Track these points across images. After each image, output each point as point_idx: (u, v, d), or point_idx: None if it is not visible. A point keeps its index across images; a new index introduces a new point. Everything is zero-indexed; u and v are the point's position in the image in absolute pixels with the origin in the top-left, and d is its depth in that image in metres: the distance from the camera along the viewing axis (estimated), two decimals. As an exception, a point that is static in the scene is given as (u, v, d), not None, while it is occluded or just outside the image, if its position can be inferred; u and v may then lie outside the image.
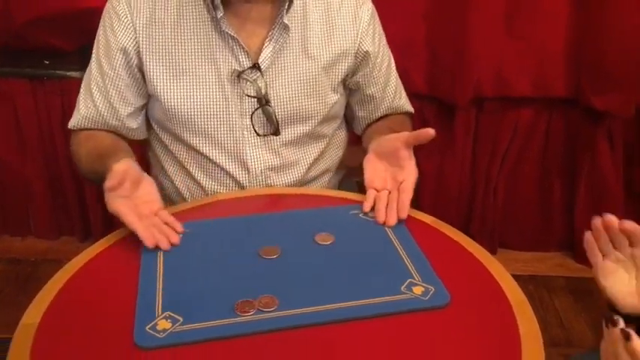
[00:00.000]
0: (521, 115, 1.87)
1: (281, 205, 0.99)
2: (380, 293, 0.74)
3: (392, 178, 0.96)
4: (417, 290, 0.75)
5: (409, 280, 0.77)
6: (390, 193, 0.94)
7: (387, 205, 0.92)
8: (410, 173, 0.94)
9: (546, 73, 1.78)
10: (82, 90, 1.08)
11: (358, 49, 1.08)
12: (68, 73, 1.84)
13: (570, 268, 2.06)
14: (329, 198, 1.01)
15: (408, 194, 0.92)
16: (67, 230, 2.12)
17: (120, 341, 0.68)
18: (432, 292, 0.75)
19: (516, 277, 2.01)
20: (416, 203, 0.96)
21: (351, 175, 1.28)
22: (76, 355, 0.67)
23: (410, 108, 1.23)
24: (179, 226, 0.87)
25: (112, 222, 2.02)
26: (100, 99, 1.05)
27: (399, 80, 1.20)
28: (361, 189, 1.27)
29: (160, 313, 0.71)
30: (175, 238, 0.85)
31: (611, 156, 1.89)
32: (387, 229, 0.89)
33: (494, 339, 0.69)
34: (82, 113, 1.07)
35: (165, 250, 0.83)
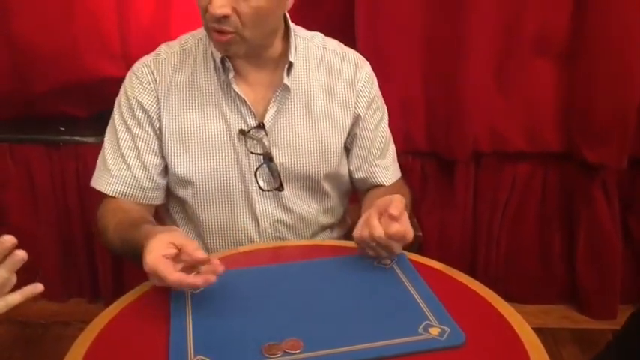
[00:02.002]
0: (517, 170, 1.95)
1: (300, 255, 1.04)
2: (399, 334, 0.79)
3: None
4: (434, 331, 0.80)
5: (425, 321, 0.82)
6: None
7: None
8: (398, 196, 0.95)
9: (539, 129, 1.87)
10: (107, 154, 1.11)
11: (354, 111, 1.15)
12: (84, 139, 1.91)
13: (575, 320, 2.07)
14: (344, 248, 1.06)
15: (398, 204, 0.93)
16: (77, 292, 2.14)
17: (155, 384, 0.71)
18: (447, 333, 0.79)
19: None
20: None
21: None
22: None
23: (397, 174, 1.24)
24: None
25: (121, 282, 2.05)
26: (133, 159, 1.10)
27: (390, 144, 1.23)
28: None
29: (192, 357, 0.75)
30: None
31: (607, 206, 1.94)
32: (400, 274, 0.94)
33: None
34: (116, 175, 1.10)
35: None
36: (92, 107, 1.90)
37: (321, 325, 0.81)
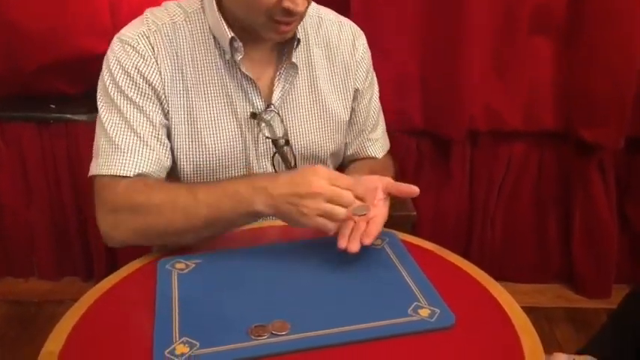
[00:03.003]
0: (514, 149, 1.93)
1: (289, 235, 1.02)
2: (388, 316, 0.77)
3: None
4: (424, 312, 0.78)
5: (415, 302, 0.80)
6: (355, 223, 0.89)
7: (352, 232, 0.88)
8: (381, 213, 0.91)
9: (536, 108, 1.85)
10: (114, 135, 0.95)
11: (354, 84, 1.11)
12: (75, 117, 1.89)
13: (570, 299, 2.08)
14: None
15: (376, 227, 0.88)
16: (70, 270, 2.13)
17: (139, 366, 0.70)
18: (437, 314, 0.78)
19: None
20: (414, 236, 1.00)
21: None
22: (97, 380, 0.69)
23: (386, 146, 1.22)
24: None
25: (115, 260, 2.04)
26: (150, 138, 0.97)
27: (380, 115, 1.20)
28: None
29: (177, 338, 0.74)
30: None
31: (603, 187, 1.93)
32: (390, 254, 0.92)
33: (499, 358, 0.72)
34: (136, 161, 0.94)
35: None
36: (83, 84, 1.86)
37: (308, 306, 0.80)
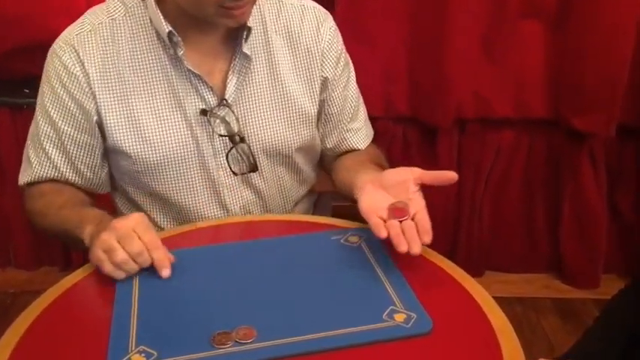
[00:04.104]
0: (502, 137, 1.88)
1: (260, 232, 0.97)
2: (362, 321, 0.72)
3: None
4: (399, 317, 0.74)
5: (390, 307, 0.76)
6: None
7: (405, 232, 0.81)
8: (422, 206, 0.84)
9: (525, 95, 1.80)
10: (31, 146, 1.01)
11: (321, 73, 1.04)
12: (48, 102, 1.82)
13: (557, 289, 2.05)
14: (310, 224, 0.99)
15: (427, 221, 0.82)
16: (48, 260, 2.08)
17: (92, 378, 0.66)
18: (413, 320, 0.73)
19: (504, 299, 1.99)
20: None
21: (322, 198, 1.27)
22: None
23: (369, 135, 1.15)
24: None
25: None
26: (60, 158, 0.99)
27: (360, 103, 1.14)
28: (336, 213, 1.26)
29: (133, 348, 0.69)
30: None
31: (594, 176, 1.89)
32: (367, 253, 0.87)
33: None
34: (39, 172, 1.00)
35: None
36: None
37: (277, 311, 0.75)
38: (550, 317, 1.93)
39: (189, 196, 1.02)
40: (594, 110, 1.75)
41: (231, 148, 0.99)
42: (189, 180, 1.01)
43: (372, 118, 1.77)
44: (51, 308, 0.78)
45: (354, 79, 1.12)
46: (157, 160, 0.98)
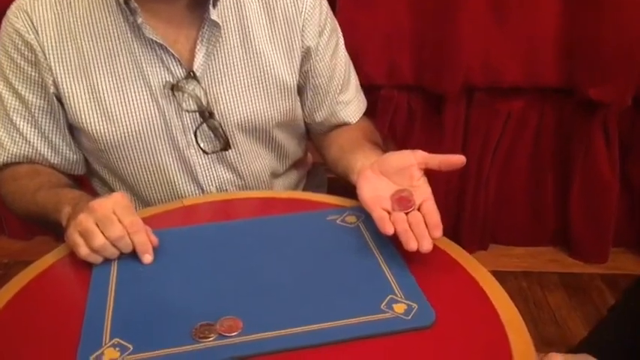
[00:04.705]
0: (512, 107, 1.80)
1: (252, 210, 0.90)
2: (357, 312, 0.66)
3: None
4: (399, 308, 0.67)
5: (390, 296, 0.69)
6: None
7: (412, 226, 0.74)
8: (429, 195, 0.77)
9: (538, 62, 1.71)
10: (0, 124, 0.93)
11: (302, 43, 0.95)
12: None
13: (564, 264, 2.00)
14: (305, 202, 0.92)
15: (436, 213, 0.74)
16: (42, 230, 2.03)
17: (60, 375, 0.60)
18: (414, 310, 0.67)
19: (509, 274, 1.94)
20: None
21: (316, 171, 1.20)
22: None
23: (361, 108, 1.06)
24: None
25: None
26: (32, 132, 0.92)
27: (350, 71, 1.05)
28: (331, 186, 1.19)
29: (107, 340, 0.63)
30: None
31: (606, 148, 1.82)
32: (365, 234, 0.81)
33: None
34: (12, 152, 0.93)
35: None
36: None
37: (264, 300, 0.69)
38: (556, 292, 1.88)
39: (160, 177, 0.96)
40: (610, 79, 1.66)
41: (200, 125, 0.91)
42: (159, 159, 0.94)
43: (375, 87, 1.69)
44: (20, 295, 0.72)
45: (343, 46, 1.03)
46: (121, 137, 0.91)
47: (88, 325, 0.65)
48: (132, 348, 0.62)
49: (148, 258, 0.75)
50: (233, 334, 0.63)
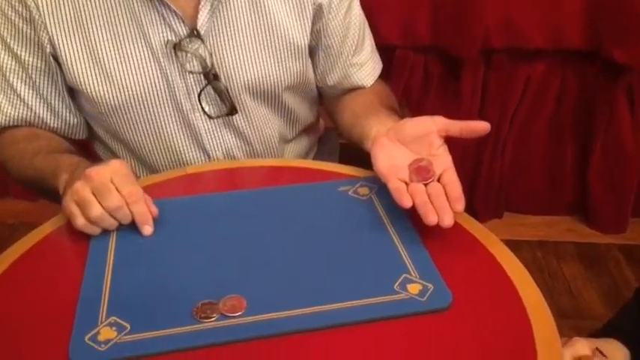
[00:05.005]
0: (533, 71, 1.72)
1: (259, 180, 0.86)
2: (368, 293, 0.62)
3: None
4: (413, 289, 0.63)
5: (404, 275, 0.65)
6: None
7: (432, 198, 0.69)
8: (448, 164, 0.72)
9: (561, 22, 1.62)
10: None
11: (313, 0, 0.89)
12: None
13: (581, 234, 1.94)
14: (314, 171, 0.87)
15: (457, 185, 0.69)
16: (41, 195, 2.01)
17: (54, 356, 0.56)
18: (430, 292, 0.63)
19: (524, 243, 1.88)
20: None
21: (331, 133, 1.14)
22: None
23: (376, 70, 1.00)
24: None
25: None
26: (30, 94, 0.88)
27: (365, 31, 0.99)
28: (344, 152, 1.13)
29: (104, 319, 0.59)
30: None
31: (629, 114, 1.75)
32: (378, 207, 0.76)
33: (505, 348, 0.58)
34: (10, 114, 0.88)
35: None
36: None
37: (271, 278, 0.65)
38: (572, 263, 1.84)
39: (164, 143, 0.91)
40: (637, 40, 1.58)
41: (204, 88, 0.86)
42: (162, 124, 0.89)
43: (389, 47, 1.61)
44: (14, 267, 0.68)
45: (358, 4, 0.96)
46: (121, 100, 0.86)
47: (83, 302, 0.61)
48: (129, 327, 0.58)
49: (147, 229, 0.71)
50: (236, 314, 0.60)
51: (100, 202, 0.69)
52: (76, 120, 0.92)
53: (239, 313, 0.60)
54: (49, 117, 0.90)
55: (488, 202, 1.92)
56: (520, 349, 0.57)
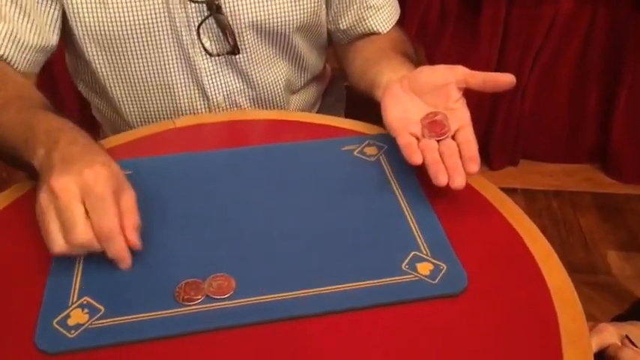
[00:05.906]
0: (559, 8, 1.61)
1: (251, 135, 0.78)
2: (372, 273, 0.55)
3: None
4: (423, 269, 0.56)
5: (413, 252, 0.58)
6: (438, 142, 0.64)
7: (444, 157, 0.62)
8: (466, 119, 0.65)
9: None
10: None
11: None
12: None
13: (600, 183, 1.86)
14: (316, 126, 0.78)
15: (473, 143, 0.62)
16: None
17: (18, 341, 0.50)
18: (442, 273, 0.56)
19: (539, 192, 1.80)
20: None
21: (338, 80, 1.05)
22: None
23: (394, 15, 0.90)
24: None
25: (93, 125, 1.82)
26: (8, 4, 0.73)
27: None
28: (350, 104, 1.04)
29: (75, 300, 0.53)
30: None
31: (662, 58, 1.63)
32: (387, 171, 0.68)
33: (527, 340, 0.51)
34: None
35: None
36: None
37: (263, 255, 0.57)
38: (588, 214, 1.76)
39: (161, 79, 0.82)
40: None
41: (205, 19, 0.77)
42: (161, 57, 0.80)
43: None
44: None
45: None
46: (121, 30, 0.77)
47: (53, 280, 0.55)
48: (103, 310, 0.52)
49: (124, 265, 0.55)
50: (224, 296, 0.53)
51: (63, 234, 0.53)
52: (55, 38, 0.78)
53: (227, 295, 0.53)
54: (27, 27, 0.74)
55: (504, 148, 1.83)
56: (544, 347, 0.51)
